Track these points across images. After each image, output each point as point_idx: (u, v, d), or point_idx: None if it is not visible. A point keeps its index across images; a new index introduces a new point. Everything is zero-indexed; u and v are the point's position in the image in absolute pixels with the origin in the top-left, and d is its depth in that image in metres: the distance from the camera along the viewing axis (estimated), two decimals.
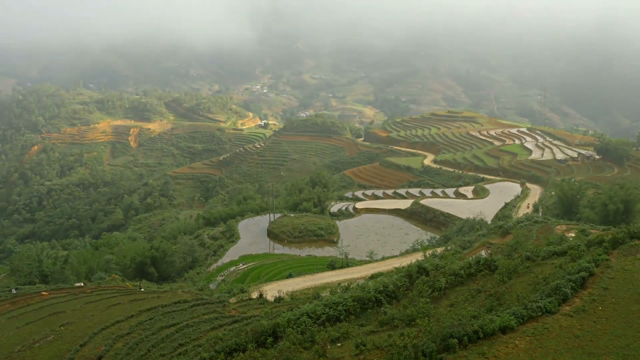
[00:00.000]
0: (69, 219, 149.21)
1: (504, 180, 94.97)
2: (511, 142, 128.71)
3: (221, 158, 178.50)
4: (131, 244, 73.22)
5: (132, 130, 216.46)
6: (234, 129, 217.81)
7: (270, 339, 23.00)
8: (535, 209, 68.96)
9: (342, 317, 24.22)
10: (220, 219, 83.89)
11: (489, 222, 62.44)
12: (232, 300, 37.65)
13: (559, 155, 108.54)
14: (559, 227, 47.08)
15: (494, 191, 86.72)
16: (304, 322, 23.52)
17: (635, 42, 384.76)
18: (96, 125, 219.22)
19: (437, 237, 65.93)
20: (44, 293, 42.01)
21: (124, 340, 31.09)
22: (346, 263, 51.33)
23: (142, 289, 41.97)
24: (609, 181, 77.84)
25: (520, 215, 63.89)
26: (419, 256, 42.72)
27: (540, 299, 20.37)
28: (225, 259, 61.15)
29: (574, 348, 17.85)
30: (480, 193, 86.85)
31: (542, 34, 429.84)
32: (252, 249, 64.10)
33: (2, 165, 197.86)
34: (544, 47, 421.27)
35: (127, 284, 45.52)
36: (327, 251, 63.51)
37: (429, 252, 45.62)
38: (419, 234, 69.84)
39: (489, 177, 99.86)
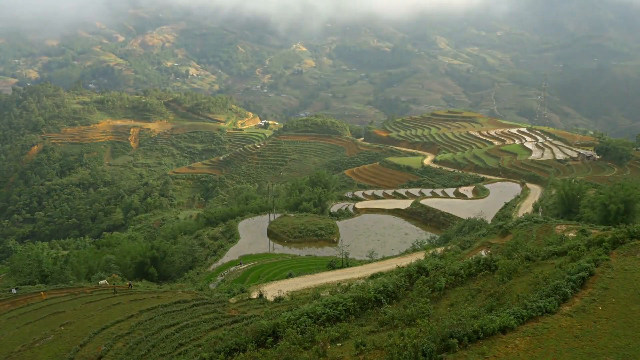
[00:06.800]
0: (69, 219, 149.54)
1: (504, 180, 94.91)
2: (511, 142, 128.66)
3: (221, 158, 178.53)
4: (131, 244, 73.23)
5: (132, 130, 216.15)
6: (234, 129, 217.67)
7: (270, 339, 22.98)
8: (535, 209, 68.88)
9: (342, 317, 24.17)
10: (220, 219, 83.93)
11: (489, 222, 62.38)
12: (232, 300, 37.66)
13: (559, 155, 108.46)
14: (559, 227, 46.98)
15: (494, 191, 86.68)
16: (304, 322, 23.47)
17: (635, 41, 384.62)
18: (96, 125, 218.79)
19: (437, 237, 65.88)
20: (42, 293, 42.04)
21: (124, 340, 31.08)
22: (346, 263, 51.37)
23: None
24: (609, 181, 77.72)
25: (520, 215, 63.81)
26: (419, 256, 42.69)
27: (540, 299, 20.32)
28: (225, 259, 61.20)
29: (574, 348, 17.82)
30: (480, 193, 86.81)
31: (542, 33, 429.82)
32: (252, 249, 64.14)
33: (2, 165, 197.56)
34: (544, 48, 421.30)
35: (127, 283, 45.58)
36: (327, 251, 63.57)
37: (429, 252, 45.55)
38: (419, 234, 69.83)
39: (489, 177, 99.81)
